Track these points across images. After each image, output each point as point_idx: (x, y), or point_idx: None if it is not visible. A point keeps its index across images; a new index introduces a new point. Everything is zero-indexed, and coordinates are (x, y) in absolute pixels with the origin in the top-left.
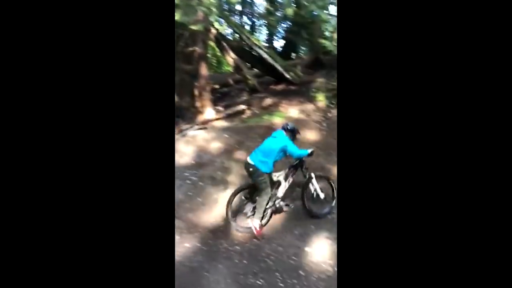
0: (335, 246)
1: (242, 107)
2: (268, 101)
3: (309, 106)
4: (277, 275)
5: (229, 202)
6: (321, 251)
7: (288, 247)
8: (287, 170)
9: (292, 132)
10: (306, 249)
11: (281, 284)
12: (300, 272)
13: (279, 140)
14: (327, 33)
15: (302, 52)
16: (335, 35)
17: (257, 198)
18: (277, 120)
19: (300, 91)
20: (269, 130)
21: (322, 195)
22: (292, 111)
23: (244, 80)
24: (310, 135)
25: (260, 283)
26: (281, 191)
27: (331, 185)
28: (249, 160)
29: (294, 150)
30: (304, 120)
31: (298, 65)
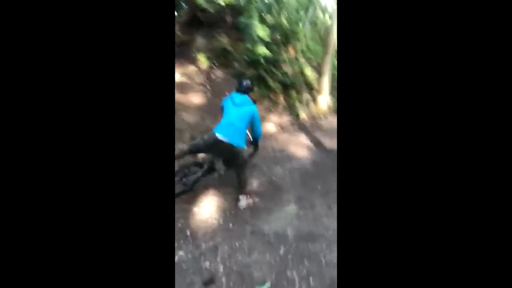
0: (220, 202)
1: None
2: None
3: (191, 68)
4: None
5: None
6: (207, 208)
7: (177, 211)
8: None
9: (251, 91)
10: (194, 209)
11: None
12: (187, 232)
13: (249, 107)
14: None
15: (183, 9)
16: None
17: (239, 173)
18: None
19: (180, 52)
20: None
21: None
22: None
23: None
24: (195, 98)
25: None
26: None
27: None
28: (226, 139)
29: (259, 125)
30: (187, 84)
31: (175, 24)
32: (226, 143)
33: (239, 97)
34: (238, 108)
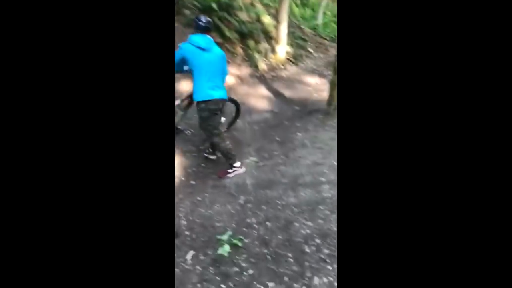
0: (181, 160)
1: None
2: None
3: None
4: None
5: None
6: (176, 166)
7: None
8: None
9: (211, 28)
10: None
11: None
12: None
13: (218, 50)
14: None
15: None
16: None
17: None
18: None
19: None
20: None
21: (223, 119)
22: None
23: None
24: None
25: None
26: None
27: (236, 105)
28: (222, 97)
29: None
30: None
31: None
32: (223, 100)
33: (202, 40)
34: (209, 54)
